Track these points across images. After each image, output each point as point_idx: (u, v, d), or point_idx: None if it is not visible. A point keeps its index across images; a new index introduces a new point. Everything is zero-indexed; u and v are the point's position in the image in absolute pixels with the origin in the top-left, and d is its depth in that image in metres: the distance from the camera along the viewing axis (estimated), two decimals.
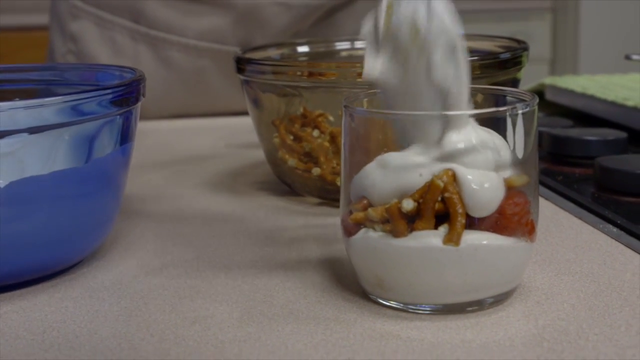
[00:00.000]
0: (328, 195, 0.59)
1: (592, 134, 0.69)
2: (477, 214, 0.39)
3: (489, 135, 0.40)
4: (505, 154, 0.40)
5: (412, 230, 0.39)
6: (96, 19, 0.93)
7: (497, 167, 0.40)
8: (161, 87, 0.93)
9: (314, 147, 0.58)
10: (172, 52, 0.93)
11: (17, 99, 0.56)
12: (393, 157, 0.40)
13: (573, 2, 2.73)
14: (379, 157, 0.41)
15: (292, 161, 0.59)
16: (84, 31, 0.94)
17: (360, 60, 0.69)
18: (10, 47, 2.21)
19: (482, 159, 0.39)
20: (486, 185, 0.39)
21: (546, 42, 2.82)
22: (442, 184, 0.38)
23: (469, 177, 0.39)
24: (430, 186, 0.38)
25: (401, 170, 0.40)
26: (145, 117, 0.92)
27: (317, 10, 0.92)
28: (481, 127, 0.40)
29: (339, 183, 0.57)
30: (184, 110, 0.96)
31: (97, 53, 0.94)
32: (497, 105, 0.44)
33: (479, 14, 2.75)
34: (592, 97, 0.79)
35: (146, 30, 0.92)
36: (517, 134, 0.40)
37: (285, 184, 0.62)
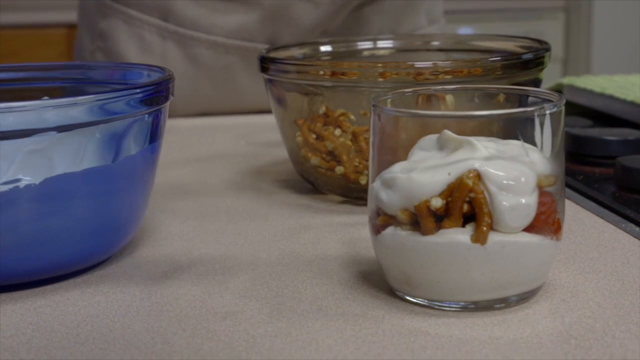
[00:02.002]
0: (351, 193, 0.60)
1: (612, 134, 0.69)
2: (507, 231, 0.39)
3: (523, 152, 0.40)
4: (542, 164, 0.40)
5: (439, 228, 0.40)
6: (125, 17, 0.94)
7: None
8: (189, 85, 0.94)
9: (336, 146, 0.58)
10: (200, 49, 0.94)
11: (45, 97, 0.58)
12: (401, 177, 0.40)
13: (586, 1, 2.72)
14: (384, 177, 0.41)
15: (314, 159, 0.60)
16: (113, 29, 0.95)
17: (381, 59, 0.70)
18: (25, 44, 2.23)
19: (519, 185, 0.39)
20: (520, 213, 0.39)
21: (559, 41, 2.81)
22: (470, 183, 0.39)
23: (504, 203, 0.39)
24: (459, 185, 0.39)
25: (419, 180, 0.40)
26: (172, 114, 0.93)
27: (344, 7, 0.92)
28: (510, 142, 0.41)
29: (362, 181, 0.58)
30: (211, 108, 0.97)
31: (126, 51, 0.95)
32: (520, 106, 0.45)
33: (492, 14, 2.75)
34: (611, 97, 0.80)
35: (174, 28, 0.93)
36: (545, 134, 0.40)
37: (308, 182, 0.63)
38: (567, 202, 0.59)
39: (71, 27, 2.08)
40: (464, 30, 2.68)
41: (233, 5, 0.92)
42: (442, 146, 0.41)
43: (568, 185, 0.63)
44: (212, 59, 0.94)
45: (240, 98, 0.96)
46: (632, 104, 0.77)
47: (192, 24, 0.93)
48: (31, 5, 2.27)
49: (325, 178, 0.60)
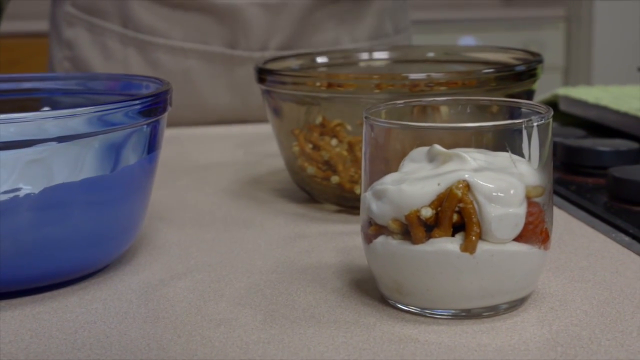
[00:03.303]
0: (346, 202, 0.61)
1: (605, 145, 0.70)
2: (496, 241, 0.40)
3: (511, 164, 0.41)
4: (530, 175, 0.41)
5: (429, 238, 0.41)
6: (88, 25, 0.97)
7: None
8: None
9: (332, 156, 0.59)
10: (159, 54, 0.96)
11: (46, 108, 0.59)
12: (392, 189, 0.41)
13: (587, 11, 2.74)
14: (375, 188, 0.42)
15: (311, 169, 0.60)
16: (78, 37, 0.98)
17: (377, 70, 0.71)
18: (25, 52, 2.24)
19: (508, 196, 0.40)
20: (509, 224, 0.40)
21: (560, 50, 2.83)
22: (459, 193, 0.40)
23: (493, 214, 0.40)
24: (448, 195, 0.40)
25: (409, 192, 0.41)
26: None
27: (293, 8, 0.94)
28: (499, 154, 0.41)
29: (357, 191, 0.59)
30: (172, 111, 0.98)
31: (90, 58, 0.97)
32: (512, 117, 0.46)
33: (493, 23, 2.76)
34: (605, 108, 0.80)
35: (134, 34, 0.96)
36: (533, 145, 0.41)
37: (304, 191, 0.64)
38: (559, 212, 0.60)
39: None
40: (465, 39, 2.69)
41: (188, 10, 0.94)
42: (432, 159, 0.42)
43: (561, 195, 0.64)
44: (171, 63, 0.96)
45: (200, 100, 0.98)
46: (625, 114, 0.77)
47: (150, 29, 0.95)
48: (32, 13, 2.28)
49: (321, 187, 0.61)
